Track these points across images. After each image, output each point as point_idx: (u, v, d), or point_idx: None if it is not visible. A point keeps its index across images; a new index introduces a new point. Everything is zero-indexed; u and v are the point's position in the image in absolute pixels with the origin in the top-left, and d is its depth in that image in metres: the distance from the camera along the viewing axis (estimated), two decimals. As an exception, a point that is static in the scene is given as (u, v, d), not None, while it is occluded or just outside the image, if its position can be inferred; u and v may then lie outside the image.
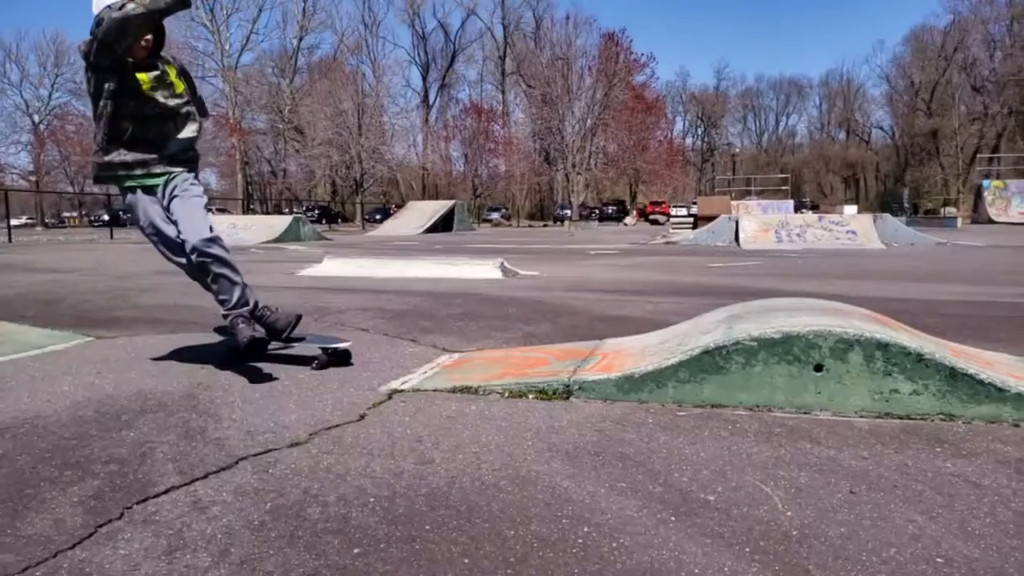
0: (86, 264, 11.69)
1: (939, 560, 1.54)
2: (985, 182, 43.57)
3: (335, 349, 3.47)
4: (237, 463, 2.17)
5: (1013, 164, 49.11)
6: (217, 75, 53.68)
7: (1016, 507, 1.80)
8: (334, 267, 9.16)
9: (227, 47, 53.52)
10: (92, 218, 53.82)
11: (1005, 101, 58.34)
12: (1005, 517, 1.75)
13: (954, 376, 2.53)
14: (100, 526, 1.72)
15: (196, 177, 3.45)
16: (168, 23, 3.26)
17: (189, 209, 3.26)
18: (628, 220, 48.94)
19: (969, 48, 60.89)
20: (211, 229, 3.26)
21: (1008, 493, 1.89)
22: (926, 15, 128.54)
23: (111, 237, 25.56)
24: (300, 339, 3.51)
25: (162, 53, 3.32)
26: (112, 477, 2.04)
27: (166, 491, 1.92)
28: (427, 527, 1.72)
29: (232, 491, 1.94)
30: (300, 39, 57.79)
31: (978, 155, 56.70)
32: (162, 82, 3.23)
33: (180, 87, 3.32)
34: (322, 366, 3.37)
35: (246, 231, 21.02)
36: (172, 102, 3.28)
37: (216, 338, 4.32)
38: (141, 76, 3.14)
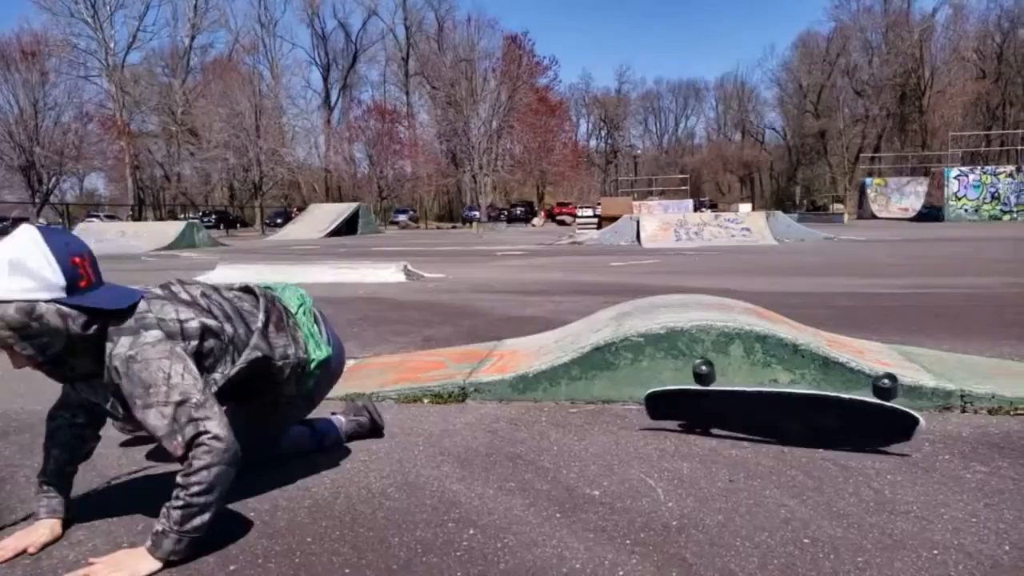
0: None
1: (806, 541, 1.61)
2: (867, 180, 46.27)
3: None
4: (109, 484, 2.06)
5: (892, 163, 52.35)
6: (102, 75, 50.89)
7: (876, 486, 1.91)
8: (228, 274, 8.84)
9: (112, 45, 50.72)
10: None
11: (883, 104, 62.06)
12: (867, 496, 1.85)
13: (827, 365, 2.66)
14: (-53, 560, 1.59)
15: None
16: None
17: None
18: (536, 221, 49.35)
19: (851, 54, 64.47)
20: None
21: (871, 473, 2.00)
22: (812, 21, 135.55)
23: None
24: None
25: None
26: (-35, 506, 1.89)
27: (25, 518, 1.80)
28: (308, 539, 1.68)
29: (100, 513, 1.84)
30: (192, 37, 55.42)
31: (861, 154, 60.16)
32: None
33: None
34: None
35: (136, 238, 20.08)
36: None
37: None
38: None
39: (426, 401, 2.88)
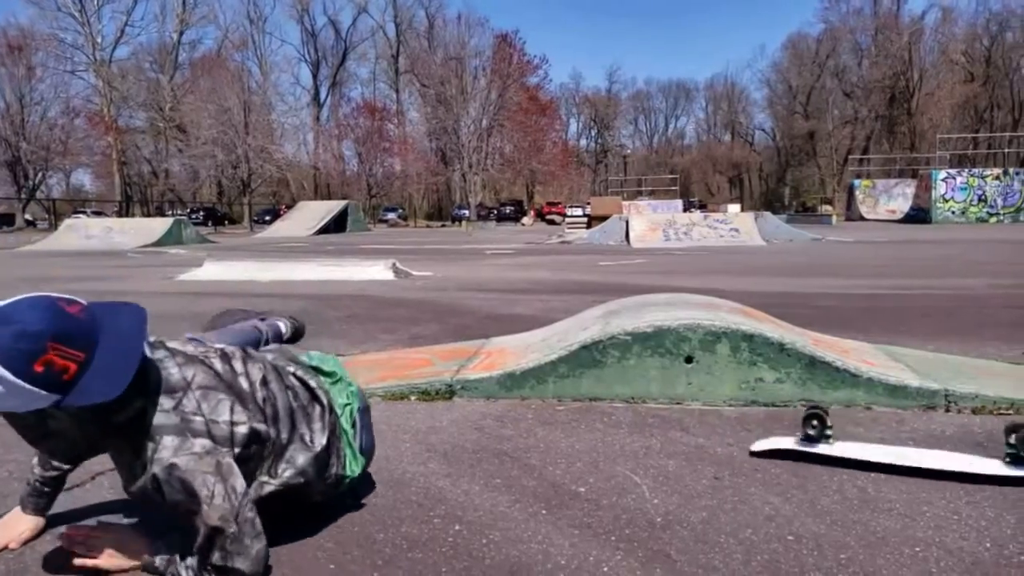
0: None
1: (790, 538, 1.62)
2: (856, 181, 46.48)
3: None
4: (93, 479, 2.05)
5: (881, 165, 52.66)
6: (89, 70, 50.58)
7: (860, 484, 1.92)
8: (216, 271, 8.80)
9: (99, 40, 50.45)
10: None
11: (872, 106, 62.50)
12: (851, 494, 1.86)
13: (813, 364, 2.68)
14: (-73, 555, 1.57)
15: None
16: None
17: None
18: (525, 220, 49.41)
19: (840, 55, 64.92)
20: None
21: (855, 471, 2.01)
22: (801, 23, 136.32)
23: (-29, 242, 23.66)
24: None
25: None
26: (-53, 501, 1.87)
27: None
28: (293, 534, 1.67)
29: (83, 509, 1.83)
30: (181, 33, 55.16)
31: (850, 156, 60.52)
32: None
33: None
34: None
35: (123, 235, 19.91)
36: None
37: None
38: None
39: (413, 398, 2.87)
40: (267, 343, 2.31)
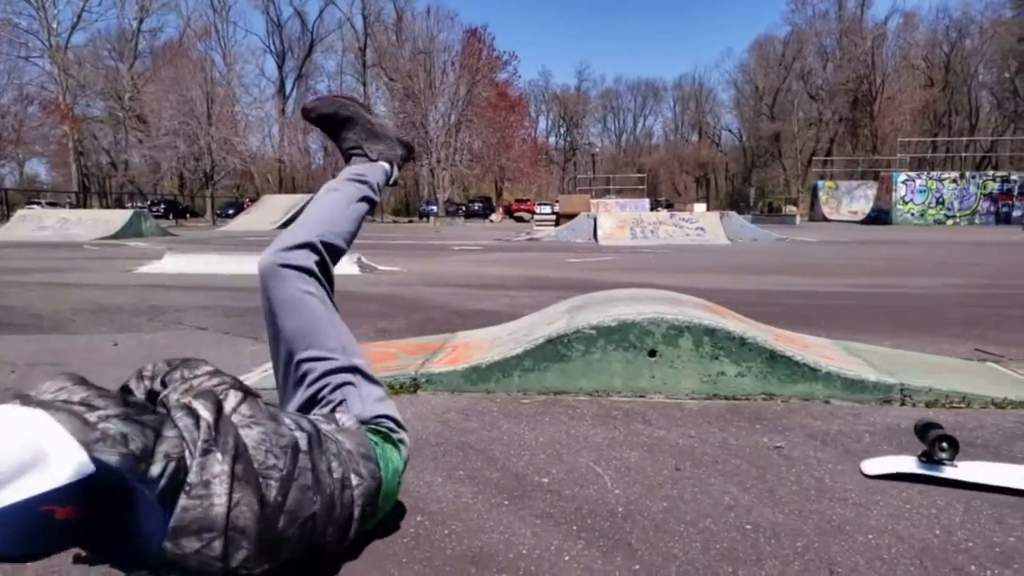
0: None
1: (748, 527, 1.64)
2: (820, 183, 47.30)
3: None
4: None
5: (844, 166, 53.65)
6: (44, 56, 49.28)
7: (818, 475, 1.96)
8: (176, 264, 8.65)
9: (55, 25, 49.15)
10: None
11: (836, 109, 63.69)
12: (808, 484, 1.89)
13: (774, 358, 2.72)
14: None
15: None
16: None
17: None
18: (494, 217, 49.43)
19: (806, 58, 66.06)
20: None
21: (813, 463, 2.05)
22: (768, 25, 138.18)
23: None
24: None
25: None
26: None
27: None
28: (253, 526, 1.65)
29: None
30: (141, 20, 54.01)
31: (814, 158, 61.58)
32: None
33: None
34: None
35: (79, 226, 19.41)
36: None
37: (33, 340, 3.97)
38: None
39: (377, 391, 2.85)
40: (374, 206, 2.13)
